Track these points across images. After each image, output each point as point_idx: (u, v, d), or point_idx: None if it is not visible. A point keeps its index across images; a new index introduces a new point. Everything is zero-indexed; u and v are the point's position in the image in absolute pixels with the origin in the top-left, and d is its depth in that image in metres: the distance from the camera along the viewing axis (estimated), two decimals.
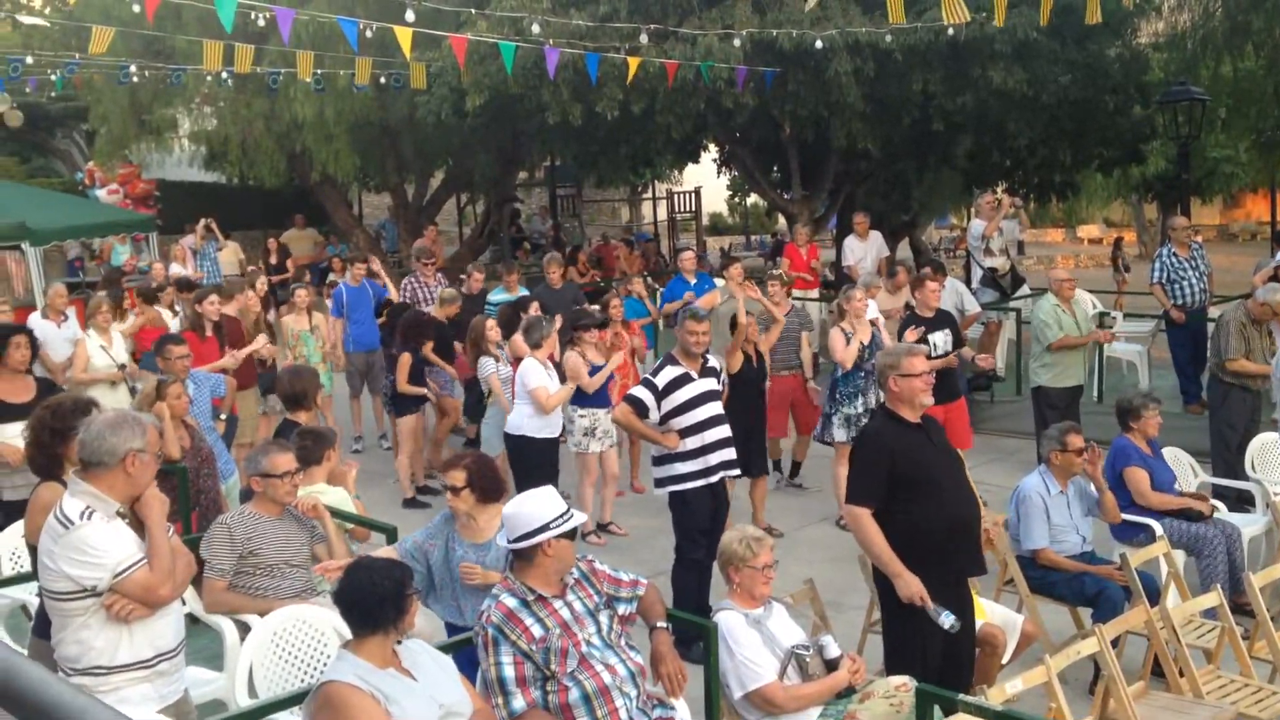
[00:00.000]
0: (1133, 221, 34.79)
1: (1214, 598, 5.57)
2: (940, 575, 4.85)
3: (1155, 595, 5.67)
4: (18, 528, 5.96)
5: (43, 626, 4.18)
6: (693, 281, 11.38)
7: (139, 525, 3.93)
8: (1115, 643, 5.19)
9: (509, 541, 4.17)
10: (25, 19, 14.63)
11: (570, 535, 4.17)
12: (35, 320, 10.48)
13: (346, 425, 11.46)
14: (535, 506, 4.18)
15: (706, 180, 28.69)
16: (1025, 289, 13.49)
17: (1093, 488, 6.39)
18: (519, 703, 3.99)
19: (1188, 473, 7.60)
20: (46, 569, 3.81)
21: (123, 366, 9.62)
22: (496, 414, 8.77)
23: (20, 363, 7.03)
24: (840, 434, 8.50)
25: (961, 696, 4.00)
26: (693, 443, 6.68)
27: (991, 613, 5.60)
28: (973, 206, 16.33)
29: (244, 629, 5.01)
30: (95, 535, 3.78)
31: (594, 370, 8.55)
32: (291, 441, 6.23)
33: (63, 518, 3.80)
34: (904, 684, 4.48)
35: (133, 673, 3.87)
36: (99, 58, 13.70)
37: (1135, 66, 16.15)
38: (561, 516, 4.14)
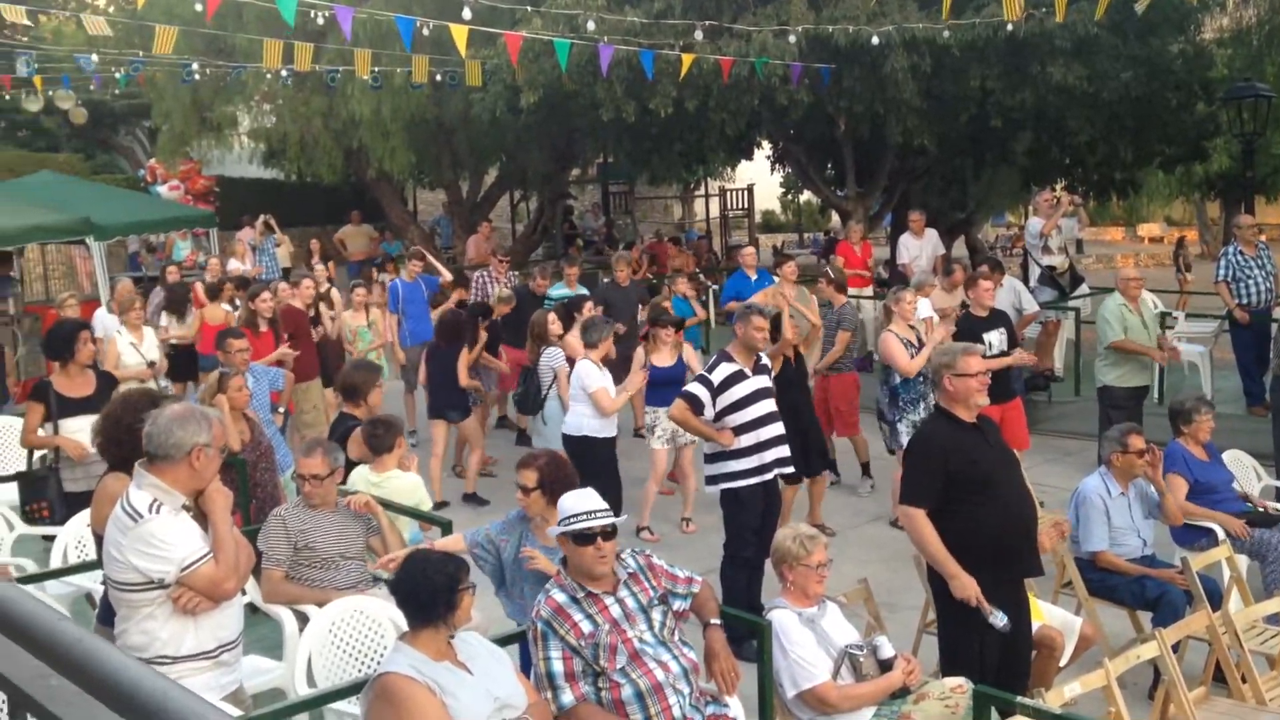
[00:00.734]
0: (1194, 220, 34.19)
1: (1277, 603, 5.47)
2: (996, 577, 4.80)
3: (1217, 600, 5.58)
4: (82, 517, 6.08)
5: (107, 614, 4.25)
6: (753, 278, 11.33)
7: (202, 518, 3.98)
8: (1176, 647, 5.11)
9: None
10: (91, 17, 14.88)
11: (582, 539, 4.14)
12: (101, 315, 10.68)
13: (401, 420, 11.54)
14: (566, 501, 4.25)
15: (759, 177, 28.57)
16: (1084, 288, 13.29)
17: (1153, 490, 6.30)
18: (567, 697, 4.01)
19: (1251, 476, 7.46)
20: (113, 560, 3.86)
21: (152, 364, 9.75)
22: (556, 408, 8.80)
23: (88, 358, 7.19)
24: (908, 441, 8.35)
25: (1019, 699, 3.96)
26: (746, 440, 6.66)
27: (1049, 615, 5.54)
28: (1030, 204, 16.14)
29: (303, 619, 5.07)
30: (163, 529, 3.83)
31: (654, 370, 8.56)
32: (343, 435, 6.34)
33: (131, 510, 3.84)
34: (959, 685, 4.44)
35: (196, 663, 3.93)
36: (162, 56, 13.92)
37: (1199, 62, 15.87)
38: (576, 516, 4.15)
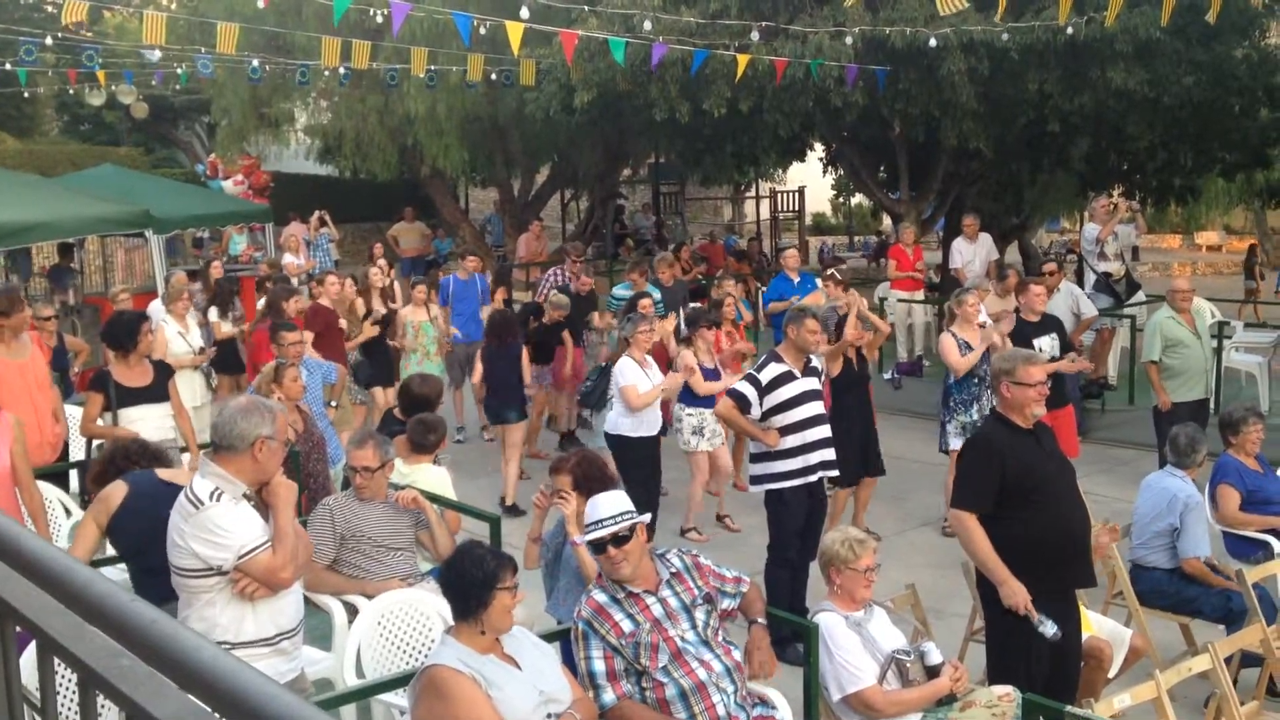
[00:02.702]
0: (1253, 228, 33.56)
1: None
2: (1047, 586, 4.75)
3: (1273, 614, 5.49)
4: None
5: (155, 599, 4.34)
6: (796, 280, 11.31)
7: (263, 508, 4.06)
8: (1230, 660, 5.03)
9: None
10: (153, 13, 15.13)
11: (596, 548, 4.18)
12: (156, 306, 10.86)
13: (449, 416, 11.64)
14: (604, 505, 4.25)
15: (811, 179, 28.43)
16: (1140, 295, 13.11)
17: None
18: (609, 696, 4.04)
19: None
20: (175, 546, 3.93)
21: (201, 350, 9.89)
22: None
23: (148, 348, 7.33)
24: (955, 442, 8.20)
25: (1069, 709, 3.92)
26: (792, 441, 6.65)
27: (1099, 626, 5.48)
28: (1086, 210, 15.94)
29: (352, 611, 5.13)
30: (223, 516, 3.90)
31: (703, 372, 8.57)
32: (393, 431, 6.42)
33: (193, 497, 3.92)
34: (1007, 694, 4.41)
35: (256, 649, 3.99)
36: (224, 54, 14.12)
37: (1264, 67, 15.54)
38: (620, 515, 4.17)
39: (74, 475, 7.36)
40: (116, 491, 4.73)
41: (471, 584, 3.79)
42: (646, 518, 4.42)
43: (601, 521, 4.17)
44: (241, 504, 3.97)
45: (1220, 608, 5.90)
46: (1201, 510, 6.12)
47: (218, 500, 3.90)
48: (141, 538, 4.54)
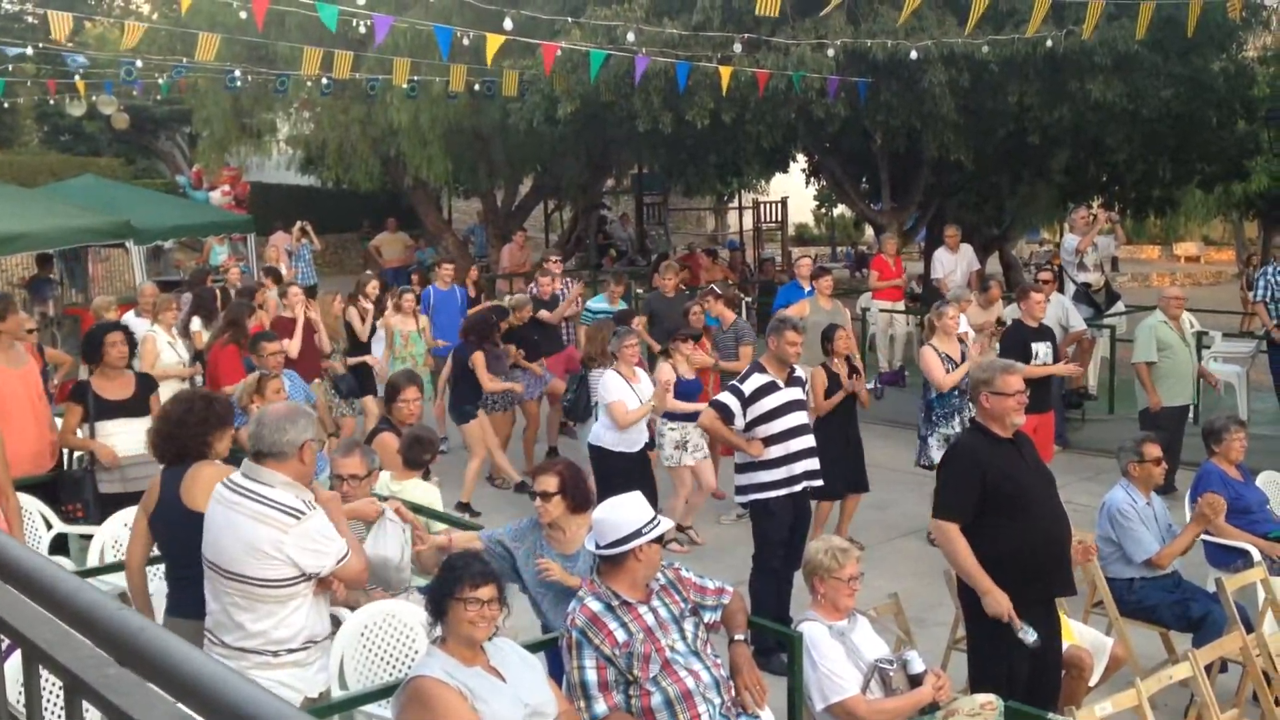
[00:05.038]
0: (1232, 240, 33.80)
1: None
2: (1028, 594, 4.78)
3: (1251, 622, 5.53)
4: (119, 518, 6.17)
5: (183, 607, 4.36)
6: (807, 289, 11.27)
7: None
8: (1210, 669, 5.06)
9: (600, 547, 4.20)
10: (133, 23, 15.08)
11: (659, 541, 4.20)
12: (131, 317, 10.81)
13: (432, 426, 11.60)
14: (628, 512, 4.22)
15: (794, 190, 28.52)
16: (1120, 305, 13.20)
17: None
18: (601, 707, 4.03)
19: None
20: (268, 559, 3.86)
21: (194, 360, 9.84)
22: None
23: (118, 359, 7.18)
24: (938, 455, 8.27)
25: (1051, 716, 3.95)
26: (776, 451, 6.67)
27: (1080, 635, 5.51)
28: (1066, 221, 16.03)
29: (335, 622, 5.11)
30: (324, 524, 3.96)
31: (682, 384, 8.57)
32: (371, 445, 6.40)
33: (288, 509, 3.89)
34: (989, 702, 4.42)
35: (325, 641, 4.18)
36: (205, 63, 14.10)
37: (1241, 80, 15.72)
38: (651, 522, 4.18)
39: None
40: (156, 485, 4.69)
41: (432, 591, 3.86)
42: (670, 524, 4.44)
43: (641, 530, 4.16)
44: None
45: (1180, 616, 5.94)
46: (1133, 511, 6.15)
47: (314, 508, 3.94)
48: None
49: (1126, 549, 6.12)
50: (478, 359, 9.44)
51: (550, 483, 4.83)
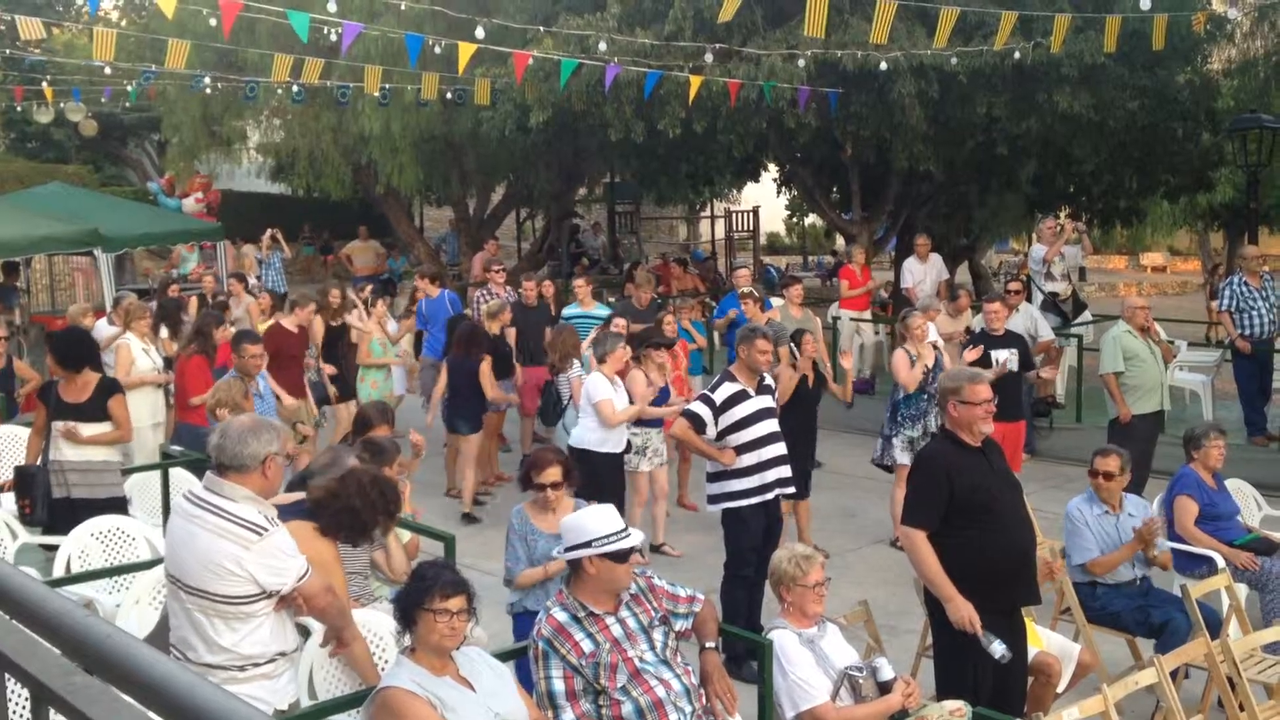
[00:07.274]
0: (1198, 250, 34.19)
1: (1276, 632, 5.48)
2: (994, 602, 4.81)
3: (1216, 628, 5.59)
4: (86, 526, 6.12)
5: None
6: (749, 302, 11.33)
7: None
8: (1175, 675, 5.12)
9: (562, 550, 4.25)
10: (103, 29, 14.98)
11: (619, 557, 4.16)
12: (102, 325, 10.72)
13: (393, 445, 11.54)
14: (588, 522, 4.23)
15: (765, 199, 28.64)
16: (1086, 314, 13.33)
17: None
18: (568, 716, 4.03)
19: (1252, 506, 7.48)
20: (229, 575, 3.77)
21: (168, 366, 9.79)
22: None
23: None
24: (903, 457, 8.31)
25: None
26: (748, 459, 6.68)
27: (1048, 642, 5.55)
28: (1034, 231, 16.19)
29: (304, 632, 5.08)
30: (285, 540, 3.85)
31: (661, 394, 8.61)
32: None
33: (248, 524, 3.79)
34: (958, 709, 4.45)
35: (293, 655, 4.09)
36: (173, 69, 14.02)
37: (1205, 93, 15.94)
38: (610, 536, 4.15)
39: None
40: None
41: (402, 600, 3.83)
42: (640, 538, 4.45)
43: (609, 536, 4.16)
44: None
45: (1142, 623, 6.00)
46: (1080, 516, 6.25)
47: (275, 524, 3.84)
48: None
49: (1068, 551, 6.23)
50: (487, 368, 9.47)
51: (554, 473, 5.22)
